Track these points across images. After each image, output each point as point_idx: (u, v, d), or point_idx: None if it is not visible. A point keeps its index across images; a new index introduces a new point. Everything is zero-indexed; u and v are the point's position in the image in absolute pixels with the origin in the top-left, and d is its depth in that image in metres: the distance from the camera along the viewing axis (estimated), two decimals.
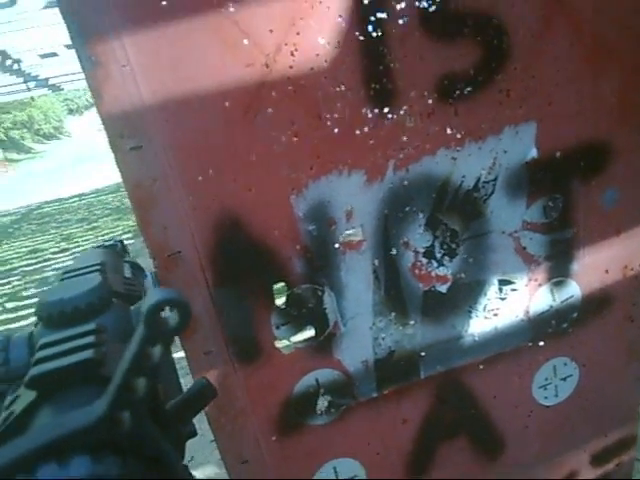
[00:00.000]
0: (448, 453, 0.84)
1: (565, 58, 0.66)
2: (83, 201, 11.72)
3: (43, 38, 6.74)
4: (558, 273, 0.80)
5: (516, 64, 0.65)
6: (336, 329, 0.72)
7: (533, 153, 0.71)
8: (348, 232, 0.68)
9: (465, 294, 0.77)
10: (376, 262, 0.70)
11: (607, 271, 0.81)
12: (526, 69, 0.65)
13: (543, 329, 0.82)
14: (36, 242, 8.34)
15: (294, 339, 0.71)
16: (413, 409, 0.80)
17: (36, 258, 7.43)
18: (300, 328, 0.70)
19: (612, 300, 0.83)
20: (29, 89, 10.11)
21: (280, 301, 0.68)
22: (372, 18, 0.57)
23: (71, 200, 12.16)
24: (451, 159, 0.68)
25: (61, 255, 7.36)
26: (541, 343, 0.83)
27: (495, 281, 0.77)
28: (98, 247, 0.59)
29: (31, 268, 6.89)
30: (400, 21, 0.58)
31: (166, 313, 0.26)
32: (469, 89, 0.64)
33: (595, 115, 0.72)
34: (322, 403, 0.75)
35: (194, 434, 0.48)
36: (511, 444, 0.87)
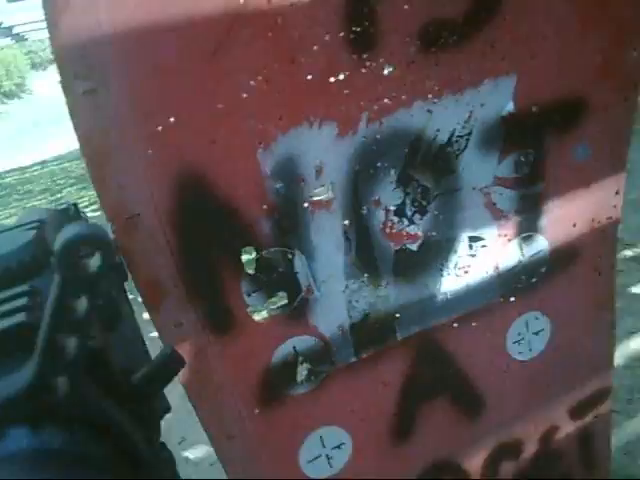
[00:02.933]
0: (430, 414, 0.84)
1: (556, 11, 0.64)
2: (45, 169, 11.09)
3: None
4: (527, 228, 0.80)
5: (506, 15, 0.62)
6: (309, 294, 0.69)
7: (510, 107, 0.70)
8: (317, 190, 0.64)
9: (436, 252, 0.75)
10: (346, 222, 0.67)
11: (575, 225, 0.82)
12: (515, 21, 0.63)
13: (513, 284, 0.82)
14: None
15: (267, 306, 0.68)
16: (392, 371, 0.79)
17: None
18: (272, 294, 0.67)
19: (579, 253, 0.85)
20: None
21: (250, 267, 0.65)
22: None
23: (33, 169, 11.48)
24: (427, 112, 0.65)
25: None
26: (512, 299, 0.83)
27: (465, 238, 0.76)
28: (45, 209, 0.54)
29: None
30: None
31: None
32: (454, 38, 0.62)
33: (576, 71, 0.71)
34: (302, 372, 0.72)
35: (167, 409, 0.44)
36: (490, 402, 0.88)
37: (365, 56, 0.59)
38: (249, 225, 0.62)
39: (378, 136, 0.64)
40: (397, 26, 0.59)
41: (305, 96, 0.59)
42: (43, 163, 11.67)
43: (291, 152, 0.61)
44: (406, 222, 0.71)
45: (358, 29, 0.58)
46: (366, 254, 0.70)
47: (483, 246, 0.78)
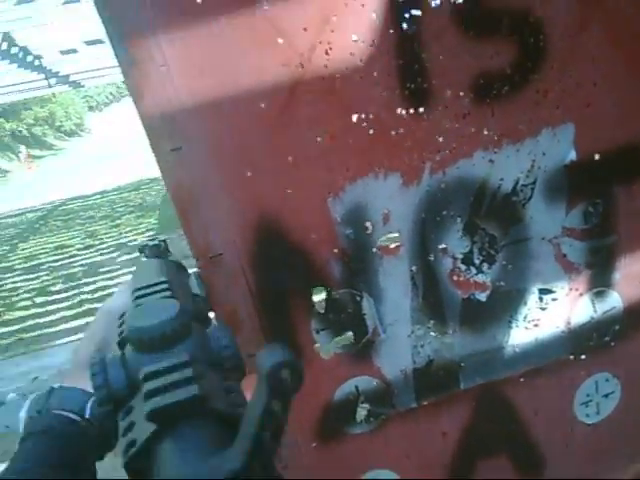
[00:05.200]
0: (488, 471, 0.81)
1: (603, 58, 0.66)
2: (105, 198, 12.06)
3: (63, 34, 6.96)
4: (599, 283, 0.78)
5: (553, 63, 0.65)
6: (375, 336, 0.71)
7: (572, 156, 0.71)
8: (385, 236, 0.68)
9: (505, 303, 0.75)
10: (414, 268, 0.70)
11: None
12: (563, 69, 0.65)
13: (585, 342, 0.79)
14: (62, 238, 8.61)
15: (334, 344, 0.71)
16: (453, 422, 0.78)
17: (62, 254, 7.65)
18: (339, 333, 0.70)
19: None
20: (50, 86, 10.47)
21: (320, 306, 0.68)
22: (407, 15, 0.59)
23: (94, 197, 12.52)
24: (488, 161, 0.68)
25: (86, 252, 7.56)
26: (582, 357, 0.80)
27: (535, 290, 0.76)
28: (146, 248, 0.61)
29: (58, 264, 7.10)
30: (435, 18, 0.60)
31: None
32: (506, 89, 0.65)
33: (634, 117, 0.71)
34: (361, 412, 0.74)
35: None
36: (552, 463, 0.84)
37: (422, 110, 0.63)
38: (321, 267, 0.66)
39: (442, 185, 0.67)
40: (449, 81, 0.63)
41: (369, 149, 0.63)
42: (103, 193, 12.68)
43: (359, 200, 0.65)
44: (474, 270, 0.72)
45: (412, 86, 0.62)
46: (433, 301, 0.72)
47: (554, 299, 0.77)
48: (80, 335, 4.54)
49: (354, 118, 0.62)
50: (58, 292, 5.95)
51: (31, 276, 6.96)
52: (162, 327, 0.41)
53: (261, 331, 0.67)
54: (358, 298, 0.69)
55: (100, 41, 8.17)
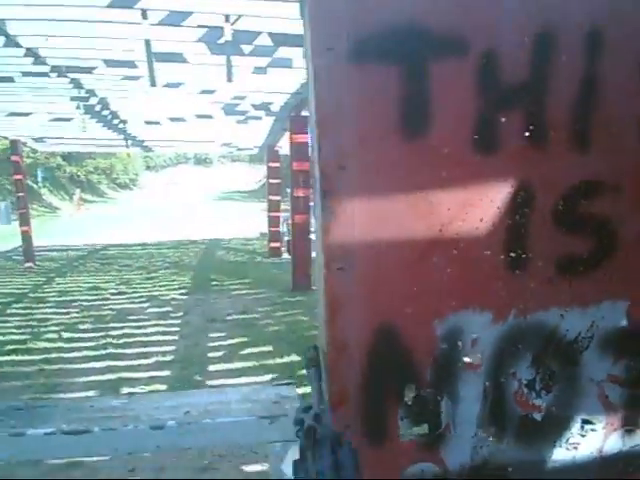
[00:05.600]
0: None
1: None
2: (145, 250, 12.57)
3: (154, 109, 7.72)
4: (631, 422, 0.94)
5: (619, 255, 0.87)
6: (446, 431, 0.89)
7: (623, 323, 0.91)
8: (471, 355, 0.88)
9: (554, 425, 0.92)
10: (487, 383, 0.89)
11: None
12: (627, 259, 0.88)
13: (612, 469, 0.94)
14: (97, 280, 8.95)
15: (412, 432, 0.88)
16: None
17: (95, 295, 7.92)
18: (419, 424, 0.88)
19: None
20: (127, 146, 11.37)
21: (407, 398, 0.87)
22: (520, 210, 0.84)
23: (134, 247, 13.05)
24: (560, 315, 0.89)
25: (119, 297, 7.82)
26: None
27: (579, 419, 0.93)
28: None
29: (89, 304, 7.34)
30: (538, 216, 0.84)
31: None
32: (581, 269, 0.87)
33: None
34: None
35: None
36: None
37: (517, 272, 0.86)
38: (418, 369, 0.86)
39: (522, 326, 0.88)
40: (542, 255, 0.86)
41: (473, 292, 0.85)
42: (144, 245, 13.23)
43: (457, 325, 0.86)
44: (534, 394, 0.90)
45: (513, 255, 0.85)
46: (498, 412, 0.90)
47: (593, 430, 0.94)
48: (99, 377, 4.66)
49: (470, 270, 0.85)
50: (85, 331, 6.14)
51: (62, 310, 7.21)
52: None
53: (360, 408, 0.86)
54: (439, 398, 0.88)
55: (182, 119, 9.05)
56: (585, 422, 0.93)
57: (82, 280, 9.21)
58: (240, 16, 3.92)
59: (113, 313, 6.94)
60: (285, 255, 11.62)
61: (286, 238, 12.10)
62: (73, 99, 7.21)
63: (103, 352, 5.42)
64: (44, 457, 2.58)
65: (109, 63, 5.20)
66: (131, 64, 5.17)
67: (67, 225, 18.74)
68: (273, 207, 11.97)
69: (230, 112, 8.35)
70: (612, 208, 0.86)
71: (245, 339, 5.56)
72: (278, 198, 11.77)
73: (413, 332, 0.85)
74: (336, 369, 0.84)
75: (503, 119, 0.81)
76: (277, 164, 11.66)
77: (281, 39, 4.58)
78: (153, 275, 9.50)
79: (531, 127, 0.82)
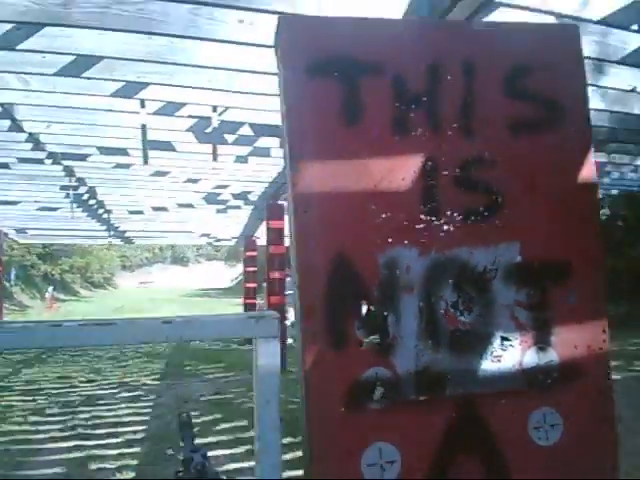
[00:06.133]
0: (462, 466, 1.13)
1: (541, 204, 1.23)
2: (116, 346, 12.18)
3: (138, 197, 8.12)
4: (541, 340, 1.21)
5: (506, 209, 1.21)
6: (394, 341, 1.14)
7: (518, 259, 1.22)
8: (405, 281, 1.16)
9: (478, 341, 1.18)
10: (421, 303, 1.17)
11: (575, 347, 1.22)
12: (512, 212, 1.21)
13: (533, 379, 1.19)
14: (66, 370, 8.63)
15: (368, 340, 1.13)
16: (440, 418, 1.14)
17: (63, 383, 7.63)
18: (371, 334, 1.13)
19: (580, 370, 1.21)
20: (108, 237, 11.57)
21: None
22: (429, 175, 1.19)
23: None
24: (470, 252, 1.19)
25: (88, 385, 7.56)
26: (533, 391, 1.18)
27: (498, 336, 1.19)
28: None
29: (57, 391, 7.06)
30: (444, 178, 1.19)
31: None
32: (479, 218, 1.20)
33: (561, 243, 1.24)
34: (378, 392, 1.12)
35: None
36: (515, 474, 1.15)
37: (433, 219, 1.18)
38: (368, 290, 1.14)
39: (442, 260, 1.18)
40: (449, 207, 1.19)
41: (403, 231, 1.17)
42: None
43: (394, 257, 1.16)
44: (459, 313, 1.18)
45: (429, 205, 1.18)
46: (431, 327, 1.16)
47: (511, 346, 1.19)
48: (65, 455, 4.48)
49: (397, 214, 1.17)
50: (52, 415, 5.95)
51: (28, 398, 6.99)
52: None
53: (325, 319, 1.11)
54: (385, 314, 1.15)
55: (165, 209, 9.56)
56: (504, 339, 1.20)
57: (49, 370, 8.94)
58: (226, 108, 4.51)
59: (82, 399, 6.76)
60: None
61: None
62: (62, 188, 7.62)
63: (72, 433, 5.26)
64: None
65: (102, 151, 5.70)
66: (123, 151, 5.67)
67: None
68: (250, 294, 12.16)
69: (211, 201, 8.88)
70: (492, 175, 1.21)
71: (219, 415, 5.49)
72: (254, 285, 12.02)
73: (361, 261, 1.14)
74: (305, 288, 1.11)
75: (412, 115, 1.20)
76: (254, 253, 12.07)
77: (261, 129, 5.19)
78: (124, 364, 9.30)
79: (430, 121, 1.20)
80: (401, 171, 1.17)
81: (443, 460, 1.12)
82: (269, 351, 0.99)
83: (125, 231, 11.79)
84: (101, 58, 3.24)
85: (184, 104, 4.36)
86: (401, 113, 1.20)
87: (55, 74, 3.33)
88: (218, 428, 5.03)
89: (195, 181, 7.46)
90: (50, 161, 5.93)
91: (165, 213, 9.69)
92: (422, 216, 1.18)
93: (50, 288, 25.35)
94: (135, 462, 4.42)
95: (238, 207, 9.84)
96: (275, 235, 8.94)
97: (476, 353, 1.18)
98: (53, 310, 23.08)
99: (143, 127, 4.30)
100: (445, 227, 1.19)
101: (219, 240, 14.30)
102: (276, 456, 0.94)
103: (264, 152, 6.11)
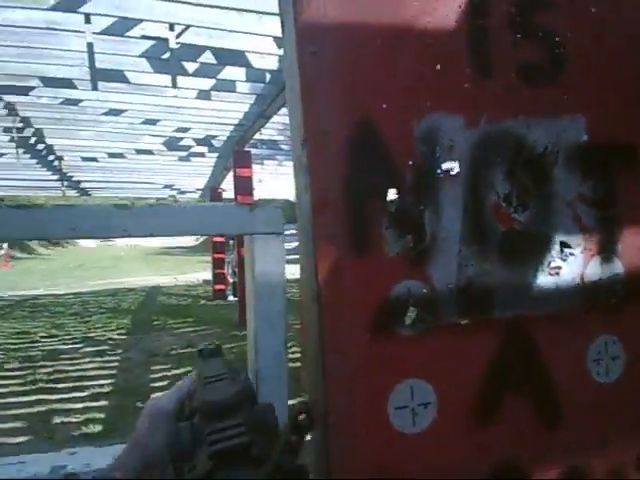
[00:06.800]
0: (512, 405, 0.88)
1: (616, 68, 0.93)
2: (79, 299, 11.75)
3: (91, 142, 7.45)
4: (607, 249, 0.95)
5: (570, 71, 0.91)
6: (431, 246, 0.85)
7: (585, 138, 0.93)
8: (448, 163, 0.86)
9: (534, 245, 0.91)
10: (466, 195, 0.87)
11: None
12: (578, 77, 0.91)
13: (595, 299, 0.93)
14: (26, 326, 8.21)
15: (398, 245, 0.84)
16: (487, 346, 0.87)
17: (22, 339, 7.24)
18: (403, 234, 0.84)
19: None
20: (63, 187, 10.82)
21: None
22: (478, 12, 0.86)
23: (66, 296, 12.16)
24: (527, 125, 0.90)
25: (49, 339, 7.19)
26: (594, 314, 0.93)
27: (558, 241, 0.92)
28: (204, 351, 0.82)
29: (16, 347, 6.71)
30: (496, 18, 0.87)
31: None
32: (539, 79, 0.90)
33: (628, 123, 0.96)
34: (411, 314, 0.84)
35: None
36: (568, 415, 0.91)
37: (482, 77, 0.87)
38: (398, 172, 0.83)
39: (493, 133, 0.88)
40: (502, 60, 0.88)
41: (445, 92, 0.85)
42: (77, 294, 12.48)
43: (433, 127, 0.85)
44: (512, 210, 0.89)
45: (477, 59, 0.86)
46: (479, 226, 0.87)
47: (572, 254, 0.93)
48: (27, 410, 4.19)
49: (436, 68, 0.85)
50: (11, 370, 5.59)
51: None
52: (224, 401, 0.59)
53: (343, 214, 0.81)
54: (421, 207, 0.85)
55: (122, 155, 8.86)
56: (564, 245, 0.93)
57: (8, 326, 8.45)
58: (187, 27, 3.98)
59: (43, 354, 6.38)
60: (231, 298, 11.29)
61: (231, 280, 11.80)
62: (6, 130, 6.90)
63: (33, 387, 4.94)
64: None
65: (46, 82, 5.07)
66: (69, 83, 5.05)
67: None
68: (217, 249, 11.75)
69: (172, 147, 8.28)
70: (557, 22, 0.90)
71: (191, 368, 5.25)
72: (222, 240, 11.60)
73: (392, 130, 0.82)
74: (315, 164, 0.79)
75: None
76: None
77: (225, 56, 4.67)
78: (88, 320, 8.89)
79: None
80: (444, 3, 0.84)
81: (487, 399, 0.87)
82: (270, 254, 0.68)
83: (80, 181, 11.01)
84: None
85: (136, 21, 3.82)
86: None
87: None
88: None
89: (153, 122, 6.87)
90: None
91: (123, 161, 9.02)
92: (468, 71, 0.86)
93: (5, 245, 24.10)
94: (102, 415, 4.18)
95: (202, 155, 9.27)
96: (243, 184, 8.51)
97: (531, 263, 0.91)
98: (7, 268, 22.03)
99: (90, 47, 3.75)
100: (497, 89, 0.88)
101: (183, 193, 13.63)
102: (283, 395, 0.65)
103: (229, 86, 5.59)
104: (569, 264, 0.93)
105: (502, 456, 0.88)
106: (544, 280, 0.91)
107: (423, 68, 0.84)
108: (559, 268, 0.92)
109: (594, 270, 0.94)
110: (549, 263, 0.92)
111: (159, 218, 0.65)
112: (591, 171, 0.94)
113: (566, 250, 0.93)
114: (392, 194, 0.83)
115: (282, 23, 0.82)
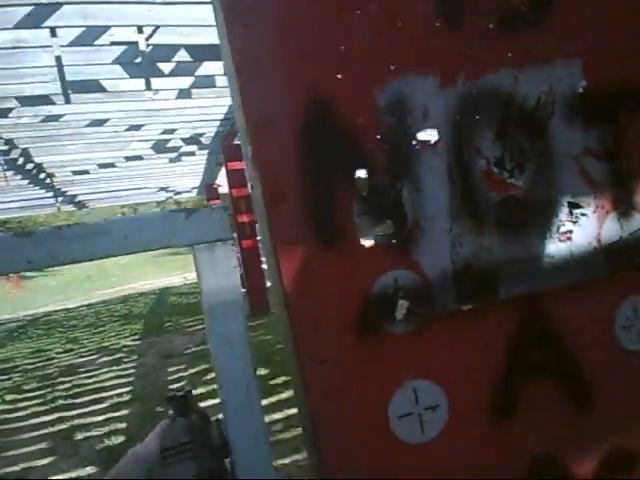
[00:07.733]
0: (535, 393, 0.77)
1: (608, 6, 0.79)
2: (91, 309, 11.86)
3: (79, 155, 7.32)
4: (623, 203, 0.82)
5: (563, 6, 0.78)
6: (415, 228, 0.73)
7: (583, 84, 0.80)
8: (424, 131, 0.74)
9: (538, 211, 0.79)
10: (450, 164, 0.75)
11: None
12: (572, 10, 0.78)
13: (617, 261, 0.81)
14: (41, 344, 8.26)
15: (374, 232, 0.72)
16: (496, 335, 0.76)
17: (39, 357, 7.28)
18: (380, 221, 0.72)
19: None
20: (57, 204, 10.77)
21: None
22: None
23: (79, 309, 12.26)
24: (514, 78, 0.76)
25: (65, 354, 7.21)
26: (618, 277, 0.81)
27: (565, 202, 0.80)
28: (173, 399, 0.72)
29: (33, 366, 6.74)
30: None
31: None
32: (521, 22, 0.76)
33: (632, 62, 0.82)
34: (401, 308, 0.72)
35: None
36: (600, 395, 0.79)
37: (456, 27, 0.74)
38: (364, 150, 0.71)
39: (474, 91, 0.75)
40: (478, 11, 0.75)
41: (411, 52, 0.72)
42: (89, 305, 12.56)
43: (401, 93, 0.72)
44: (507, 174, 0.77)
45: (446, 6, 0.73)
46: (470, 198, 0.75)
47: (583, 214, 0.80)
48: (49, 429, 4.17)
49: (398, 25, 0.72)
50: (30, 391, 5.59)
51: (3, 377, 6.62)
52: None
53: (303, 206, 0.69)
54: (399, 186, 0.73)
55: (112, 165, 8.75)
56: (573, 206, 0.80)
57: (24, 346, 8.49)
58: (156, 27, 3.81)
59: (61, 370, 6.39)
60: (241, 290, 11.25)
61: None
62: None
63: (52, 405, 4.94)
64: None
65: (22, 101, 4.94)
66: (46, 99, 4.92)
67: (3, 301, 17.49)
68: None
69: (161, 149, 8.15)
70: None
71: (205, 366, 5.21)
72: None
73: (350, 103, 0.70)
74: (263, 155, 0.67)
75: None
76: (218, 201, 11.52)
77: (200, 52, 4.51)
78: (101, 329, 8.90)
79: None
80: None
81: (508, 390, 0.75)
82: (219, 265, 0.57)
83: (75, 195, 10.92)
84: None
85: (104, 28, 3.66)
86: None
87: None
88: (206, 378, 4.76)
89: (138, 127, 6.73)
90: None
91: (114, 170, 8.90)
92: (438, 24, 0.73)
93: None
94: (124, 425, 4.15)
95: (192, 153, 9.13)
96: (236, 177, 8.37)
97: (537, 232, 0.79)
98: (18, 288, 22.17)
99: (58, 60, 3.60)
100: (472, 40, 0.75)
101: (179, 193, 13.49)
102: (259, 426, 0.55)
103: (209, 82, 5.43)
104: (582, 226, 0.80)
105: (529, 450, 0.77)
106: (555, 248, 0.79)
107: (381, 27, 0.71)
108: (570, 232, 0.80)
109: (611, 229, 0.82)
110: (558, 228, 0.79)
111: (66, 243, 0.53)
112: (594, 120, 0.81)
113: (576, 211, 0.80)
114: (361, 175, 0.70)
115: None
